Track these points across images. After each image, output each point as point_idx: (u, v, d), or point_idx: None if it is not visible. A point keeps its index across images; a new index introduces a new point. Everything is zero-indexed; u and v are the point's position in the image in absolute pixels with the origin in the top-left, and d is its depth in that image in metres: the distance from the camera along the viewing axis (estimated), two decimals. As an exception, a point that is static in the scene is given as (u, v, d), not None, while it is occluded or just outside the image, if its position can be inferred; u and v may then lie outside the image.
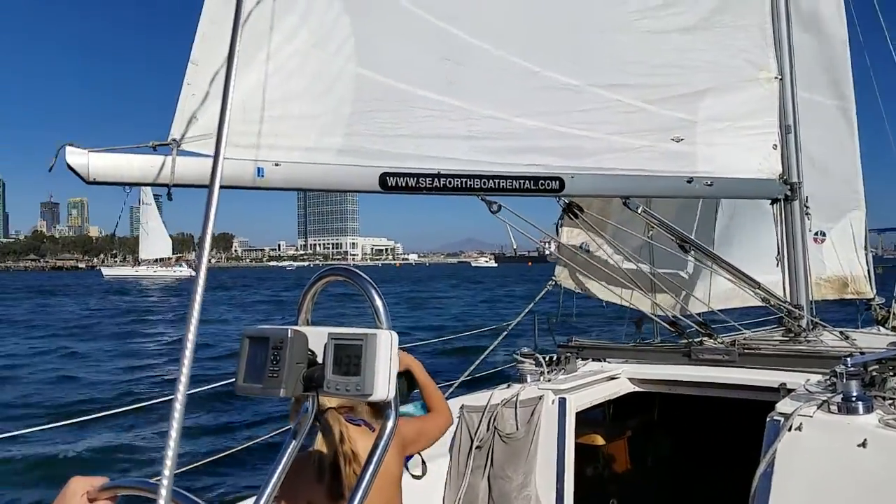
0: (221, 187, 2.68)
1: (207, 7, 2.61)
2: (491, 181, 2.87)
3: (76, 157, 2.53)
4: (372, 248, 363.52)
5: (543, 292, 5.06)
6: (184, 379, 1.02)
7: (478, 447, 2.96)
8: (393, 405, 1.23)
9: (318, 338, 1.31)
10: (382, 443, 1.21)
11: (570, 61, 3.23)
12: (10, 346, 20.70)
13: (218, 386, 4.00)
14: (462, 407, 3.13)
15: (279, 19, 2.67)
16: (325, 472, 1.72)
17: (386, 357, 1.20)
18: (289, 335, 1.28)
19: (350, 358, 1.23)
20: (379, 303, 1.29)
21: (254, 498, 1.35)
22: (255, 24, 2.63)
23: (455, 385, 4.26)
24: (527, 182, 2.93)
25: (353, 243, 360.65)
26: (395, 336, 1.24)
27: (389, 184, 2.81)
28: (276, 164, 2.73)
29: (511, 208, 3.22)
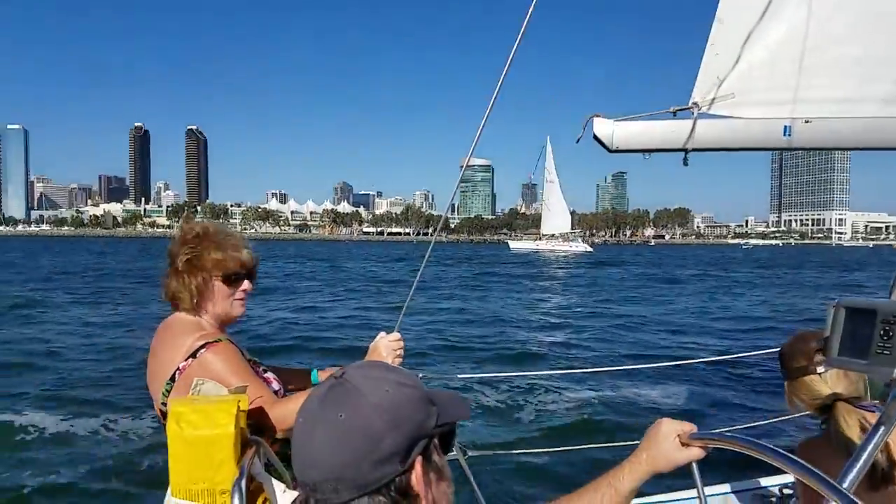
0: (743, 149, 2.67)
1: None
2: None
3: (603, 126, 2.82)
4: (866, 226, 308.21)
5: None
6: None
7: None
8: None
9: None
10: None
11: None
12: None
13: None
14: None
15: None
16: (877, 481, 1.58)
17: None
18: None
19: None
20: None
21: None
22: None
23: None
24: None
25: (841, 219, 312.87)
26: None
27: (964, 136, 2.29)
28: (806, 122, 2.54)
29: None
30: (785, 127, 2.54)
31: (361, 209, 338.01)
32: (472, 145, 2.65)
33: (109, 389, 9.60)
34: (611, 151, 2.89)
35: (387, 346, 2.20)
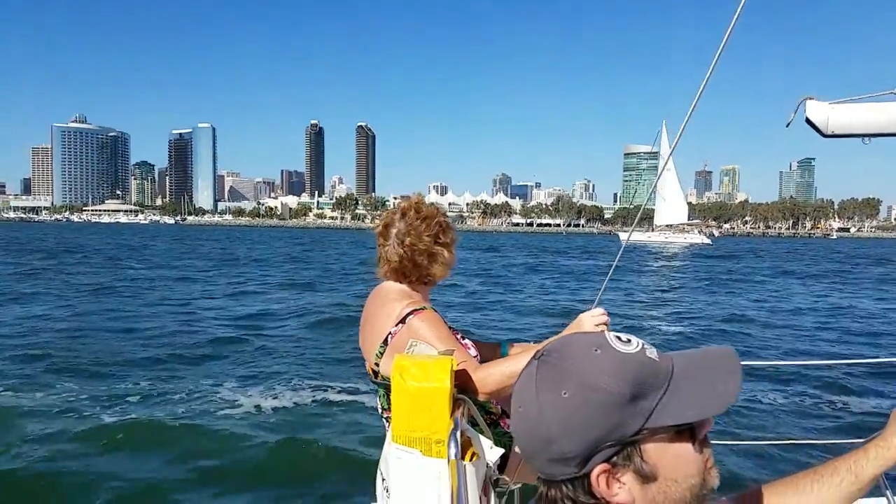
0: None
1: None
2: None
3: (817, 110, 2.73)
4: None
5: None
6: None
7: None
8: None
9: None
10: None
11: None
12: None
13: None
14: None
15: None
16: None
17: None
18: None
19: None
20: None
21: None
22: None
23: None
24: None
25: None
26: None
27: None
28: None
29: None
30: None
31: (516, 200, 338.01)
32: (676, 139, 2.71)
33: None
34: (825, 136, 2.79)
35: (590, 320, 2.19)
